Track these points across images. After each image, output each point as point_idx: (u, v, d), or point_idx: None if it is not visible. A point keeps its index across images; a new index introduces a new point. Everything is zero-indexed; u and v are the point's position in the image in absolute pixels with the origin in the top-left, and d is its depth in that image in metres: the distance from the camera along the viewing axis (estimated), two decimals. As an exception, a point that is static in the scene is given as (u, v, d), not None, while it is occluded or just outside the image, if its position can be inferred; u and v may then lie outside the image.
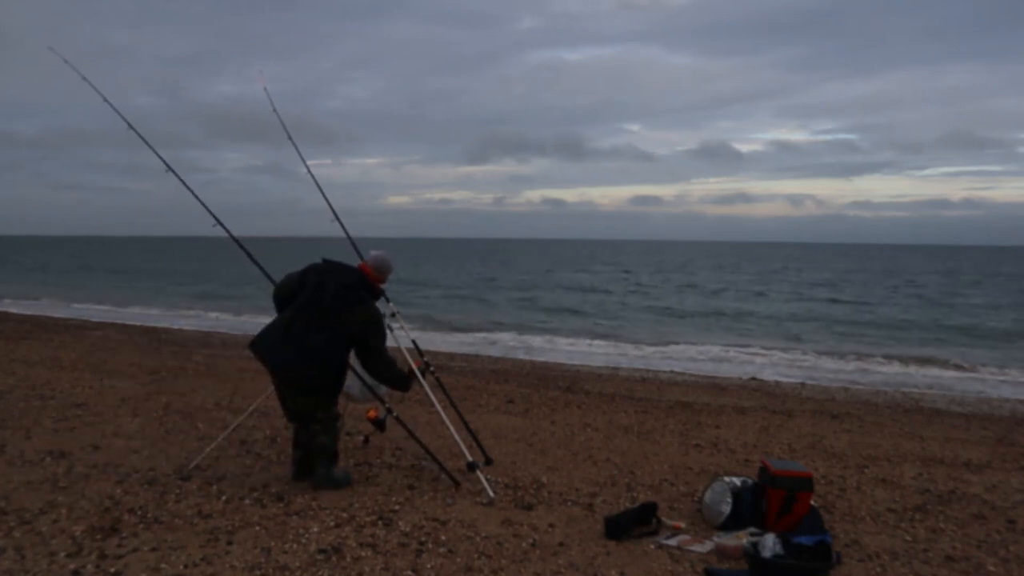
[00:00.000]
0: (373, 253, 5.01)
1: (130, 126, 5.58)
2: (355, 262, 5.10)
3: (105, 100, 5.64)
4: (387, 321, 5.45)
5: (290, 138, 6.02)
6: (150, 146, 5.55)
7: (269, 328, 4.77)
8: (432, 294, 32.05)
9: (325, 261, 4.90)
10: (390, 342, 5.59)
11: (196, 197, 5.51)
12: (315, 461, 4.89)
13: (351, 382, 5.25)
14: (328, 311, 4.65)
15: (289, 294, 4.81)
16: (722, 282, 42.94)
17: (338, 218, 5.93)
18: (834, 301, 31.11)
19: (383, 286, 5.01)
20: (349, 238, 5.96)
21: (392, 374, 4.87)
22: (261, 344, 4.70)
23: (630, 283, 41.68)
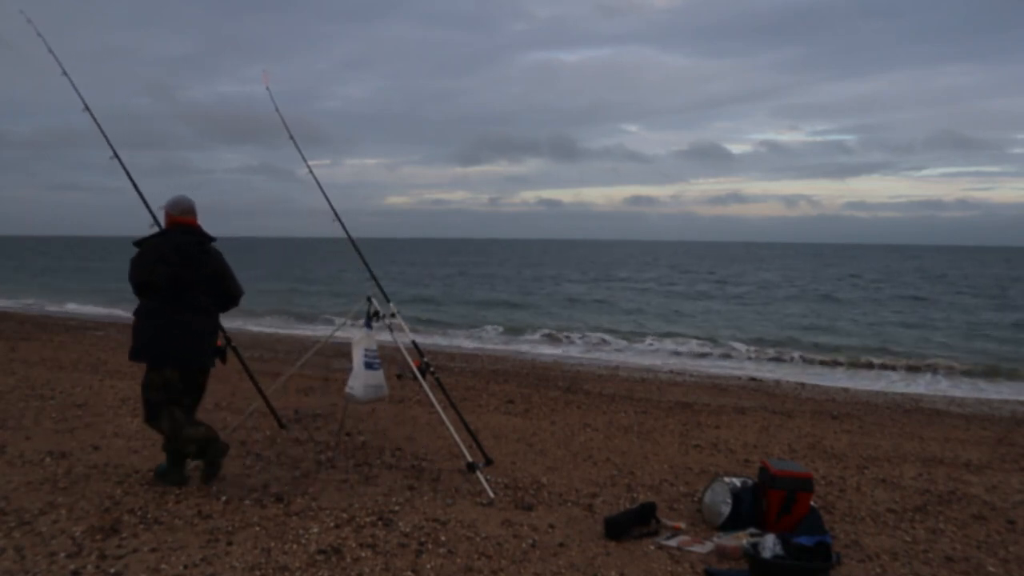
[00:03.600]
0: (169, 202, 4.81)
1: (84, 103, 5.36)
2: (357, 263, 5.13)
3: (64, 73, 5.43)
4: (386, 321, 5.46)
5: (292, 138, 6.01)
6: (99, 125, 5.33)
7: (169, 326, 4.64)
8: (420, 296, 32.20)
9: (169, 247, 4.69)
10: (390, 341, 5.60)
11: (136, 187, 5.21)
12: (215, 449, 4.78)
13: (354, 383, 5.25)
14: (192, 283, 4.66)
15: (149, 283, 4.65)
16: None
17: (339, 218, 5.92)
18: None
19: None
20: (350, 238, 5.96)
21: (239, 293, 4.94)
22: (175, 347, 4.65)
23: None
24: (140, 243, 4.73)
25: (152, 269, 4.60)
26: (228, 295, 4.89)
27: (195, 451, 4.74)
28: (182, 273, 4.61)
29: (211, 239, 4.85)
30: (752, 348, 17.00)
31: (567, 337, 18.75)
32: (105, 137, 5.38)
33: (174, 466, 4.84)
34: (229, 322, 5.32)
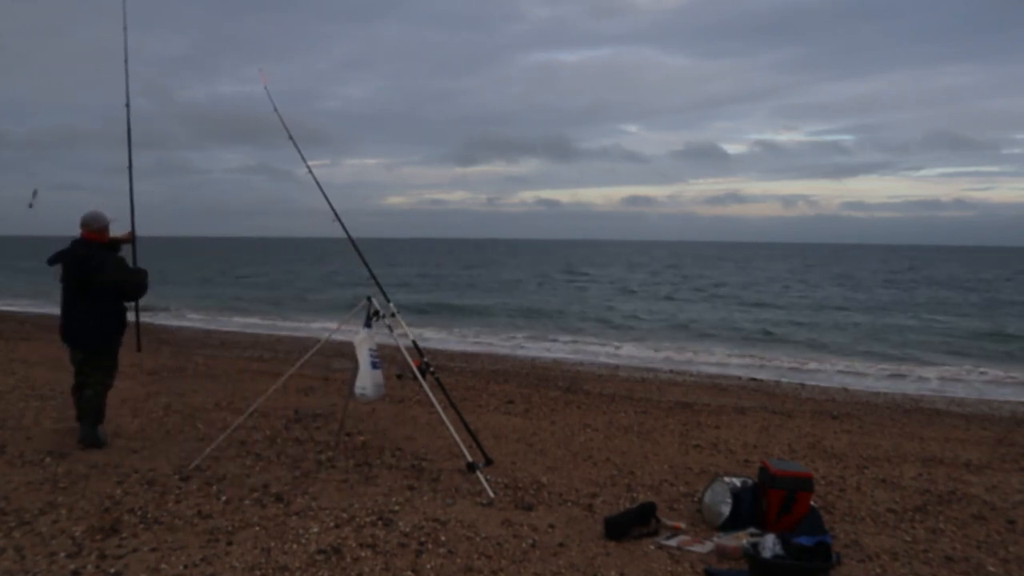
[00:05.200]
0: (83, 216, 5.73)
1: None
2: (355, 262, 5.24)
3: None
4: (386, 320, 5.48)
5: (291, 138, 6.01)
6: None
7: (70, 318, 5.67)
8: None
9: (64, 256, 5.67)
10: (390, 341, 5.61)
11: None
12: (93, 422, 5.71)
13: (363, 382, 5.27)
14: (88, 284, 5.56)
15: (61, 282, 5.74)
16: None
17: (339, 218, 5.92)
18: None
19: (111, 234, 5.83)
20: (350, 238, 5.96)
21: (145, 285, 5.83)
22: (75, 334, 5.67)
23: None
24: None
25: (62, 274, 5.68)
26: (126, 295, 5.81)
27: (80, 414, 5.70)
28: (74, 277, 5.61)
29: (115, 248, 5.80)
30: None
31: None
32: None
33: (83, 426, 5.69)
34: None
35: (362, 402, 5.51)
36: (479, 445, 5.72)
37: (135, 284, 5.75)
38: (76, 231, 5.74)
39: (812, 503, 4.47)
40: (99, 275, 5.57)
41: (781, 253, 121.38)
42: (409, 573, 3.69)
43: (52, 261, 5.72)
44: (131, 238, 6.08)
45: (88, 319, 5.61)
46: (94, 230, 5.71)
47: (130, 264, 5.87)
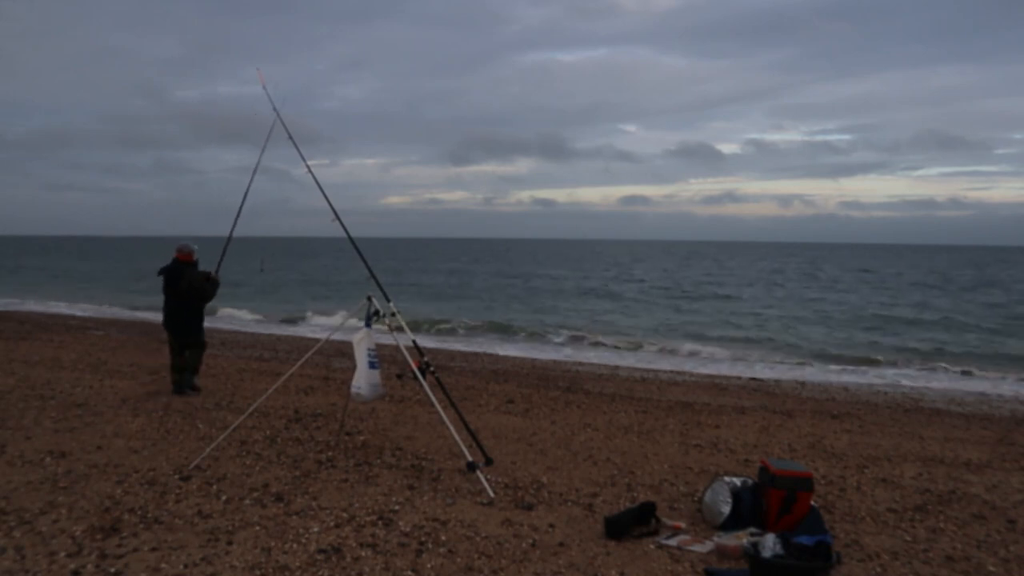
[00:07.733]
0: (177, 246, 8.09)
1: None
2: (355, 260, 5.68)
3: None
4: (386, 320, 5.50)
5: (291, 137, 6.03)
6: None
7: (167, 313, 8.05)
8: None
9: (164, 271, 8.01)
10: (391, 341, 5.62)
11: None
12: (191, 374, 8.05)
13: (359, 381, 5.29)
14: (175, 292, 7.87)
15: (163, 290, 8.07)
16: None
17: (339, 218, 5.93)
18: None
19: (195, 257, 8.10)
20: (350, 238, 5.96)
21: (213, 291, 8.05)
22: (169, 323, 8.01)
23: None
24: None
25: (163, 283, 8.01)
26: (199, 298, 8.01)
27: (176, 377, 8.05)
28: (172, 286, 7.93)
29: (194, 265, 8.04)
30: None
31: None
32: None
33: (185, 376, 8.06)
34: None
35: (357, 401, 5.53)
36: (479, 445, 5.72)
37: (203, 291, 7.96)
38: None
39: (812, 503, 4.47)
40: (182, 284, 7.84)
41: (765, 253, 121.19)
42: (409, 573, 3.69)
43: (158, 273, 8.07)
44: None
45: (182, 314, 7.95)
46: (184, 254, 8.01)
47: (212, 271, 8.04)
